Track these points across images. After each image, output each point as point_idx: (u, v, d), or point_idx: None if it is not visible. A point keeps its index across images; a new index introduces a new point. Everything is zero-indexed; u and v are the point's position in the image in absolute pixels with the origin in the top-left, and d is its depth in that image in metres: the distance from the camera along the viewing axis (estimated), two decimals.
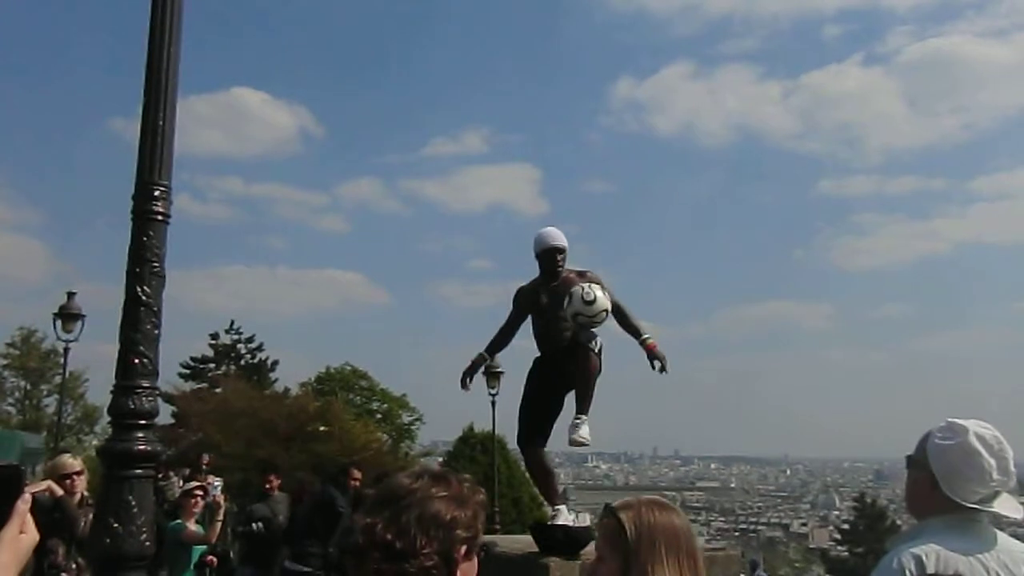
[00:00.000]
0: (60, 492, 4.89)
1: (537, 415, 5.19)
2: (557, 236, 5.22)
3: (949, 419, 2.13)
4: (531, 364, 5.31)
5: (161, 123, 4.08)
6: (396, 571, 1.43)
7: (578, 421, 4.93)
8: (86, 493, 5.45)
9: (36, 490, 4.64)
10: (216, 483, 7.20)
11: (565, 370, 5.03)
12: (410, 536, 1.45)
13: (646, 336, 5.14)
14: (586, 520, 4.96)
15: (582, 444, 4.86)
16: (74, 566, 4.95)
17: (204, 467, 11.40)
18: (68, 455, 5.91)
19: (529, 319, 5.35)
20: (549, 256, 5.18)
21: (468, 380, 5.32)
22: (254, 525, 8.01)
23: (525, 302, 5.31)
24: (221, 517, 6.86)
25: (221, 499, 6.94)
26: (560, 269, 5.19)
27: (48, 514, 4.87)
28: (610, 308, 4.95)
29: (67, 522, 4.89)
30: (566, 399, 5.12)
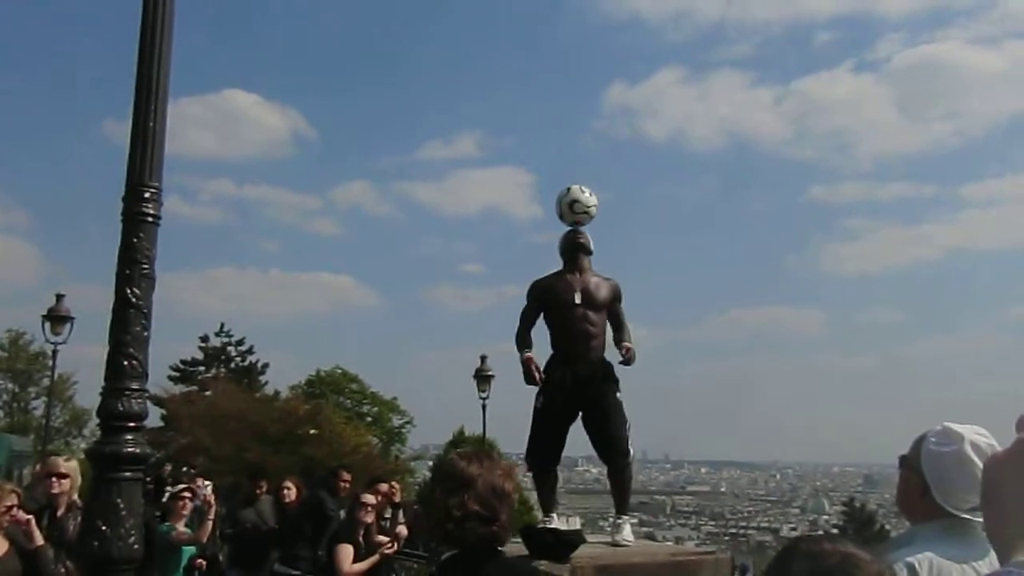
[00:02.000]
0: (40, 542, 4.77)
1: (551, 439, 5.09)
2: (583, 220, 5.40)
3: (946, 423, 2.09)
4: (543, 369, 5.13)
5: (152, 124, 4.07)
6: (489, 532, 2.12)
7: (619, 522, 5.05)
8: (75, 498, 5.41)
9: (26, 526, 4.56)
10: (206, 484, 7.18)
11: (586, 390, 5.00)
12: (492, 506, 2.11)
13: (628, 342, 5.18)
14: (576, 524, 5.01)
15: (624, 547, 4.85)
16: (63, 570, 4.91)
17: (164, 475, 11.17)
18: (61, 458, 5.86)
19: (543, 315, 5.28)
20: (573, 239, 5.28)
21: (538, 374, 5.03)
22: (245, 523, 7.99)
23: (543, 294, 5.24)
24: (212, 517, 6.83)
25: (212, 498, 6.92)
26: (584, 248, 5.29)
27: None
28: (596, 213, 5.33)
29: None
30: (581, 410, 5.09)
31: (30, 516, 4.73)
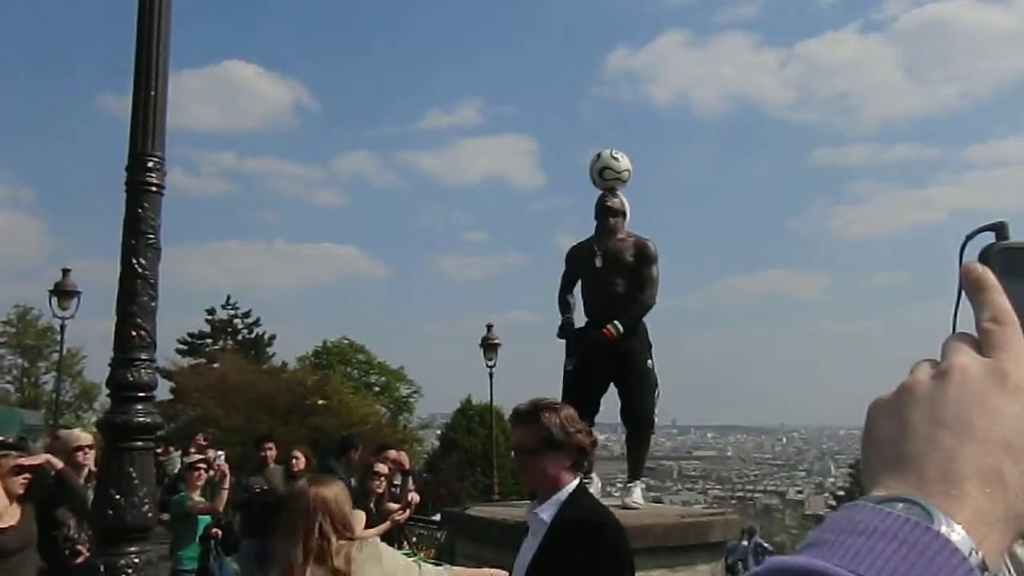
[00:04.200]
0: (60, 464, 4.89)
1: (581, 401, 5.06)
2: (616, 186, 5.37)
3: None
4: (567, 335, 5.26)
5: (153, 93, 4.03)
6: (562, 455, 2.61)
7: (631, 486, 5.19)
8: (93, 467, 5.47)
9: (34, 462, 4.65)
10: (219, 454, 7.24)
11: (614, 355, 5.03)
12: (568, 434, 2.63)
13: (616, 325, 5.02)
14: (598, 486, 5.23)
15: (633, 509, 4.95)
16: (86, 537, 4.97)
17: (203, 444, 11.53)
18: (79, 429, 5.93)
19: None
20: (601, 202, 5.28)
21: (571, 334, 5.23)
22: (255, 487, 8.04)
23: (572, 259, 5.35)
24: (227, 486, 6.89)
25: (225, 468, 6.98)
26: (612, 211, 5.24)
27: (52, 487, 4.87)
28: (628, 177, 5.34)
29: (69, 493, 4.89)
30: (613, 375, 5.17)
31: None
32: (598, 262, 5.13)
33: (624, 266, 5.13)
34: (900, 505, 0.44)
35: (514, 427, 2.75)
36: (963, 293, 0.55)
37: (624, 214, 5.28)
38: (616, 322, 4.98)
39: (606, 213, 5.23)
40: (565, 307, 5.35)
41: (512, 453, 2.72)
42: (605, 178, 5.30)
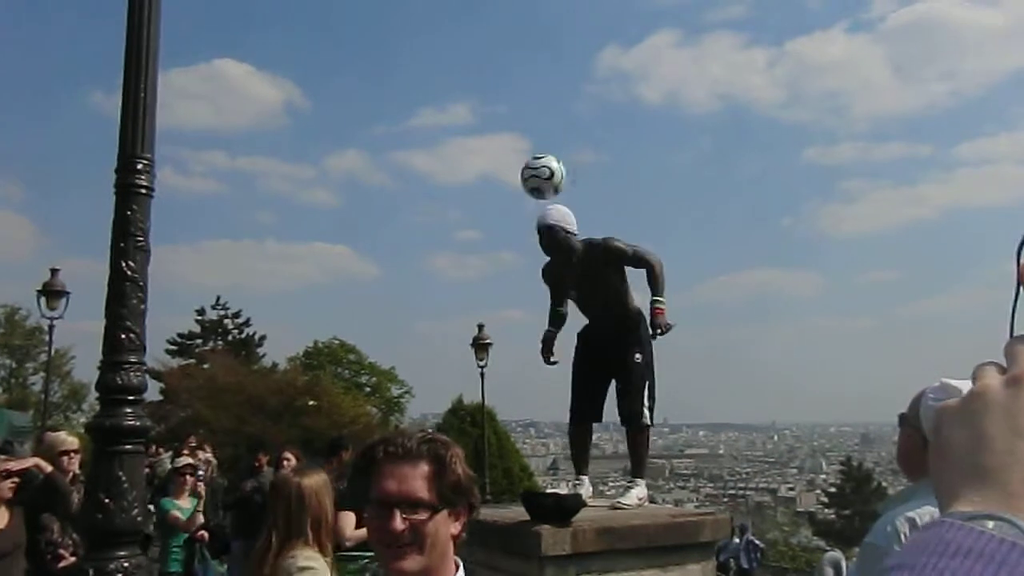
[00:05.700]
0: (48, 468, 4.85)
1: (579, 395, 5.31)
2: (544, 215, 5.04)
3: (944, 379, 2.09)
4: (576, 338, 5.39)
5: (142, 95, 4.01)
6: (460, 516, 1.67)
7: (629, 485, 5.23)
8: (78, 471, 5.42)
9: (22, 466, 4.61)
10: (200, 472, 7.19)
11: (608, 352, 5.14)
12: (472, 484, 1.77)
13: (657, 300, 5.04)
14: (589, 490, 5.21)
15: (621, 509, 4.97)
16: (70, 542, 4.93)
17: (192, 446, 11.54)
18: (65, 432, 5.87)
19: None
20: (541, 245, 5.09)
21: (549, 356, 5.35)
22: (249, 485, 8.03)
23: (551, 279, 5.36)
24: (201, 508, 6.84)
25: (202, 489, 6.92)
26: (553, 246, 5.07)
27: (39, 491, 4.84)
28: (551, 176, 5.05)
29: (59, 497, 4.86)
30: (612, 374, 5.23)
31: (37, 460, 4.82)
32: (575, 293, 5.26)
33: (600, 275, 5.08)
34: (991, 523, 0.43)
35: (392, 468, 1.57)
36: (1020, 295, 0.56)
37: (565, 233, 5.02)
38: (657, 298, 5.03)
39: (552, 250, 5.07)
40: (553, 320, 5.43)
41: (382, 507, 1.55)
42: (524, 177, 5.11)
